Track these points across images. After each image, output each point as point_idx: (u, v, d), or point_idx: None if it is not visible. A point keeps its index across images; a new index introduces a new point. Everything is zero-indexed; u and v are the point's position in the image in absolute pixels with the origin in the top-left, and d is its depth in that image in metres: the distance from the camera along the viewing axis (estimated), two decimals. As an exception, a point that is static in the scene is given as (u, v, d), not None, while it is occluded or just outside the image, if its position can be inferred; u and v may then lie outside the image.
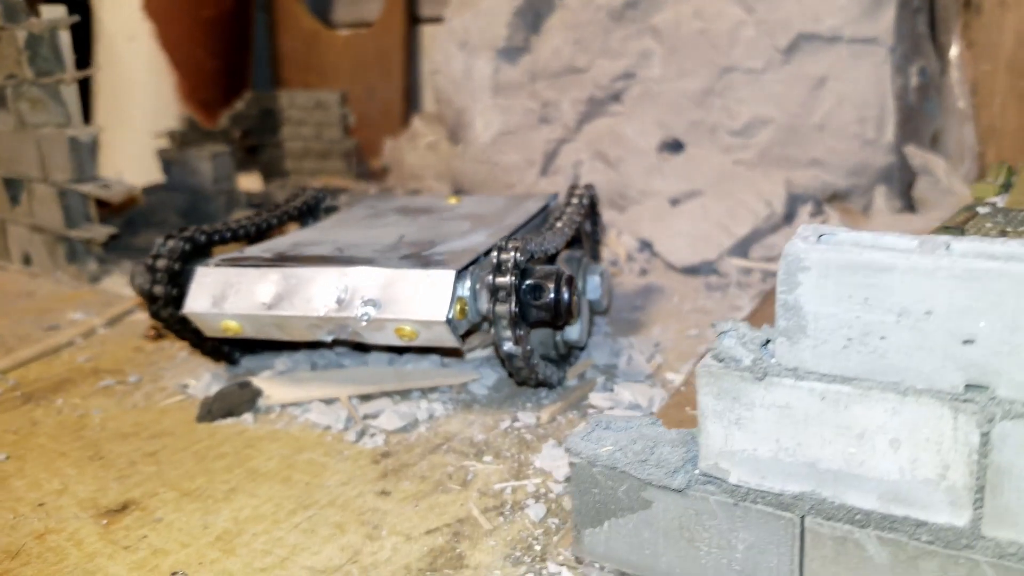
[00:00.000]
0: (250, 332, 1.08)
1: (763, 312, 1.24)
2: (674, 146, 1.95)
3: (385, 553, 0.78)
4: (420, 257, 1.07)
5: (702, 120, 1.89)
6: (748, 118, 1.83)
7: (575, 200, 1.29)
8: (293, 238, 1.25)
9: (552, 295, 0.99)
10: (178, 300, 1.12)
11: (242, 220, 1.32)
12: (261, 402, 1.11)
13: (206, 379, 1.20)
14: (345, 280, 1.04)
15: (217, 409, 1.09)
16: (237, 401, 1.10)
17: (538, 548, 0.78)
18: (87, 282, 1.72)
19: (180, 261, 1.14)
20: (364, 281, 1.03)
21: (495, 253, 1.00)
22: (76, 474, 0.95)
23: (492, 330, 1.00)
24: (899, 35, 1.71)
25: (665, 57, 1.90)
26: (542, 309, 1.00)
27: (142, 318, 1.49)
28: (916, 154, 1.76)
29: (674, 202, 1.87)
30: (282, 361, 1.24)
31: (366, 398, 1.12)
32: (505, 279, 0.98)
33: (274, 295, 1.05)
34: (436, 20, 2.70)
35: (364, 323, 1.01)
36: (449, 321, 0.99)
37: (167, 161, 2.21)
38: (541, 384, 1.09)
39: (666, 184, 1.89)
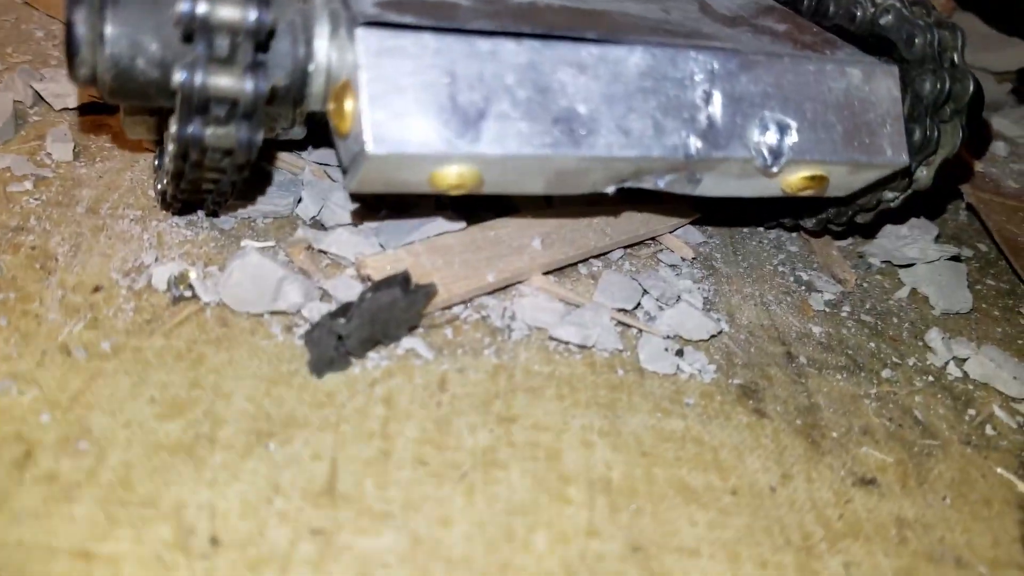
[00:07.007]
0: (490, 188, 0.51)
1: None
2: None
3: None
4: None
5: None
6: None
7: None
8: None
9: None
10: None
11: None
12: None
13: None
14: (706, 76, 0.51)
15: (364, 338, 0.52)
16: (401, 316, 0.54)
17: None
18: None
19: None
20: (742, 83, 0.52)
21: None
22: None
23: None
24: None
25: None
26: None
27: None
28: None
29: None
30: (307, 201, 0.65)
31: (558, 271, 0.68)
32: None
33: (564, 110, 0.48)
34: None
35: (775, 170, 0.53)
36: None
37: None
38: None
39: None
